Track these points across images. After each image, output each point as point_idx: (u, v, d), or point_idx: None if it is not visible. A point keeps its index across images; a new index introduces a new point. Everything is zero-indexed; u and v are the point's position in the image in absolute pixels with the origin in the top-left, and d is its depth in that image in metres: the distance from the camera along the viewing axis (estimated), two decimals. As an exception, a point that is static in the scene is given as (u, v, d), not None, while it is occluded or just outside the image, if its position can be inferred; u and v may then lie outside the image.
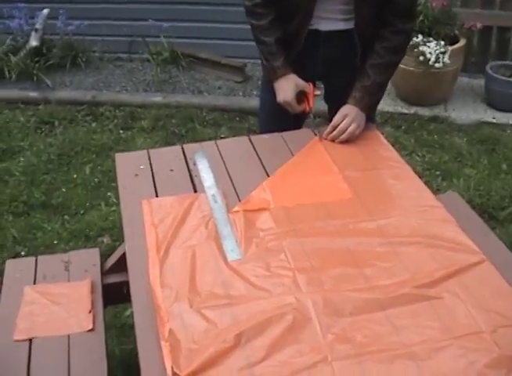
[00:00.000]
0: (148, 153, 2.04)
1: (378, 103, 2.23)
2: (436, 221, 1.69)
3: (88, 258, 2.16)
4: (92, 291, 2.00)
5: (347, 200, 1.78)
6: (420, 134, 3.85)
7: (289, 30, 2.09)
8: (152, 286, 1.48)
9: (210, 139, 3.85)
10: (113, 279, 2.12)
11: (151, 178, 1.91)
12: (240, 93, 4.41)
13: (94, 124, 4.04)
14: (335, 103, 2.18)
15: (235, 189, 1.85)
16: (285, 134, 2.13)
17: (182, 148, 2.07)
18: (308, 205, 1.75)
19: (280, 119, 2.19)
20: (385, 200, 1.80)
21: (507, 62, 4.18)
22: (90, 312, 1.90)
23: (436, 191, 3.03)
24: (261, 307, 1.41)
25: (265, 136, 2.14)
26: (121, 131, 3.96)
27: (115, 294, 2.08)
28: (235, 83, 4.51)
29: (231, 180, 1.89)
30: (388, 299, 1.43)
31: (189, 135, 3.91)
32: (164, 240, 1.62)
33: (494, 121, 3.96)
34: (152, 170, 1.95)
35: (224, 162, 1.98)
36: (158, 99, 4.30)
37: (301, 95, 2.10)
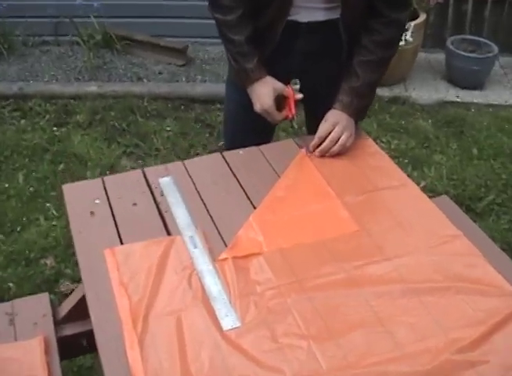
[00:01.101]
0: (103, 181, 1.68)
1: (368, 106, 1.93)
2: (460, 256, 1.45)
3: (36, 307, 1.79)
4: (46, 350, 1.65)
5: (351, 235, 1.50)
6: (383, 117, 3.59)
7: (262, 23, 1.76)
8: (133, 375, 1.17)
9: (155, 133, 3.53)
10: (70, 330, 1.77)
11: (111, 216, 1.56)
12: (183, 78, 4.02)
13: (23, 122, 3.57)
14: (314, 104, 1.89)
15: (215, 225, 1.53)
16: (263, 147, 1.82)
17: (143, 172, 1.72)
18: (308, 245, 1.46)
19: (250, 122, 1.87)
20: (396, 230, 1.52)
21: (469, 36, 3.94)
22: (47, 380, 1.56)
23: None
24: (277, 396, 1.12)
25: (240, 152, 1.81)
26: (55, 129, 3.51)
27: (73, 347, 1.77)
28: (176, 67, 4.12)
29: (209, 213, 1.57)
30: (427, 372, 1.17)
31: (132, 130, 3.52)
32: (140, 306, 1.30)
33: (458, 99, 3.75)
34: (110, 205, 1.60)
35: (197, 189, 1.65)
36: (93, 88, 3.86)
37: (281, 101, 1.79)
